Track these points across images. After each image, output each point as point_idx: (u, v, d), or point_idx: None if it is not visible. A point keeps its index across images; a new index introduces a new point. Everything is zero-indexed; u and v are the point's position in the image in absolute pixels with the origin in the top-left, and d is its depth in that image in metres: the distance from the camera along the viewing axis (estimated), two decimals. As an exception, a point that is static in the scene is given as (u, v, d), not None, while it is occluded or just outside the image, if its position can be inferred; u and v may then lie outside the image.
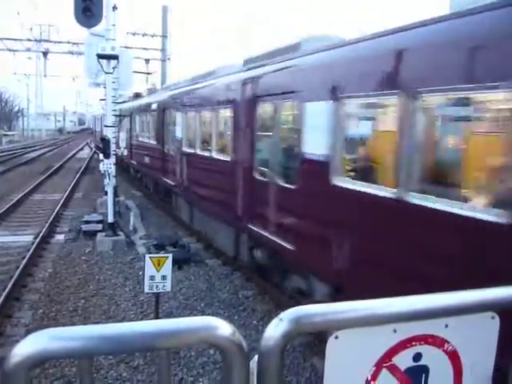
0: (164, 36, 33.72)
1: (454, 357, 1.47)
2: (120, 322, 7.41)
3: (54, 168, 28.86)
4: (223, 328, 1.21)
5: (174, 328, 1.20)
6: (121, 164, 24.19)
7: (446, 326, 1.42)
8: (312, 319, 1.29)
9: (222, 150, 9.99)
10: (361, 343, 1.35)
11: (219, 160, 9.87)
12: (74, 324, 7.24)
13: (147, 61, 33.48)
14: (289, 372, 6.04)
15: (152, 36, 33.46)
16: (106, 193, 13.41)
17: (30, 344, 1.13)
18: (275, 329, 1.25)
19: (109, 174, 12.02)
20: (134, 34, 32.54)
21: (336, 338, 1.31)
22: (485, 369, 1.54)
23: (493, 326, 1.50)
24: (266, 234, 7.62)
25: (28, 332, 6.66)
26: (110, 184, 12.15)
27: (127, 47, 27.38)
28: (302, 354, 6.45)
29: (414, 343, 1.40)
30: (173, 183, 13.90)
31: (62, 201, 17.41)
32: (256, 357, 1.30)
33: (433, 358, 1.44)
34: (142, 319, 7.51)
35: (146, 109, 18.64)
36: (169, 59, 34.43)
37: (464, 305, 1.43)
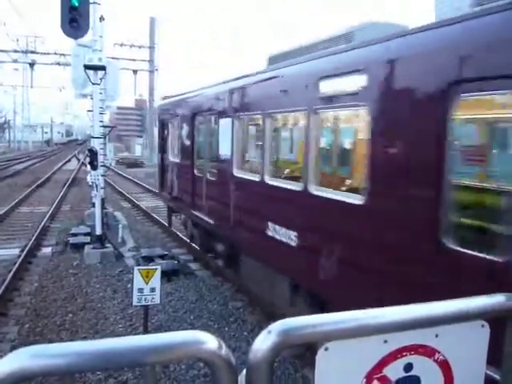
0: (151, 47, 33.79)
1: (444, 366, 1.46)
2: (107, 336, 7.31)
3: (41, 180, 28.55)
4: (210, 342, 1.18)
5: (160, 343, 1.17)
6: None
7: (437, 335, 1.41)
8: (301, 331, 1.27)
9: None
10: (351, 355, 1.33)
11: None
12: (61, 339, 7.12)
13: (135, 72, 33.47)
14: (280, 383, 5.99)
15: (139, 47, 33.51)
16: (93, 204, 13.29)
17: (11, 362, 1.10)
18: (263, 341, 1.23)
19: (96, 186, 11.91)
20: (121, 45, 32.57)
21: (326, 349, 1.29)
22: (476, 377, 1.53)
23: (483, 334, 1.49)
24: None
25: (14, 348, 6.52)
26: (97, 196, 12.04)
27: (115, 58, 27.41)
28: (293, 365, 6.40)
29: (404, 353, 1.39)
30: None
31: (49, 213, 17.21)
32: (244, 371, 1.28)
33: (424, 368, 1.42)
34: (130, 332, 7.40)
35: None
36: (156, 70, 34.47)
37: (454, 314, 1.42)
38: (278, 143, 7.80)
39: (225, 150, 8.39)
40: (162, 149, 13.72)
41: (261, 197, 7.10)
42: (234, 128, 7.95)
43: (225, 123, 8.42)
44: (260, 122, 7.09)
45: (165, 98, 13.82)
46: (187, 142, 10.74)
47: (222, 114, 8.62)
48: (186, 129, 10.81)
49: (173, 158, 12.38)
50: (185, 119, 10.94)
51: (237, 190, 8.02)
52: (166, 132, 13.25)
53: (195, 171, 10.31)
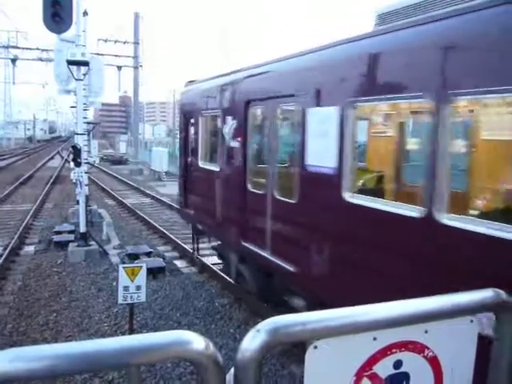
0: (136, 43, 33.44)
1: (434, 362, 1.45)
2: (92, 336, 7.22)
3: (24, 177, 28.11)
4: (196, 342, 1.16)
5: (145, 344, 1.14)
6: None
7: (426, 331, 1.41)
8: (290, 329, 1.25)
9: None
10: (340, 352, 1.31)
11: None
12: (44, 339, 7.02)
13: (119, 68, 33.10)
14: (266, 380, 5.98)
15: (124, 43, 33.12)
16: (77, 202, 13.11)
17: (-11, 366, 1.05)
18: (252, 340, 1.21)
19: (80, 183, 11.75)
20: (105, 41, 32.13)
21: (315, 347, 1.27)
22: (465, 373, 1.53)
23: (472, 329, 1.49)
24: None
25: (-4, 348, 6.40)
26: (81, 193, 11.88)
27: (99, 54, 27.05)
28: (280, 362, 6.40)
29: (394, 350, 1.38)
30: None
31: (31, 211, 16.94)
32: (232, 370, 1.25)
33: (413, 364, 1.42)
34: (115, 331, 7.32)
35: None
36: (141, 66, 34.15)
37: (443, 310, 1.42)
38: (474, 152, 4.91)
39: (319, 159, 5.32)
40: (187, 151, 10.15)
41: (426, 248, 3.83)
42: (346, 123, 4.79)
43: (321, 115, 5.29)
44: (420, 114, 4.28)
45: (190, 82, 10.22)
46: (233, 143, 7.58)
47: (315, 100, 5.43)
48: (231, 124, 7.66)
49: (205, 164, 9.04)
50: (229, 110, 7.75)
51: (354, 229, 4.79)
52: (192, 128, 9.76)
53: (248, 185, 7.22)
